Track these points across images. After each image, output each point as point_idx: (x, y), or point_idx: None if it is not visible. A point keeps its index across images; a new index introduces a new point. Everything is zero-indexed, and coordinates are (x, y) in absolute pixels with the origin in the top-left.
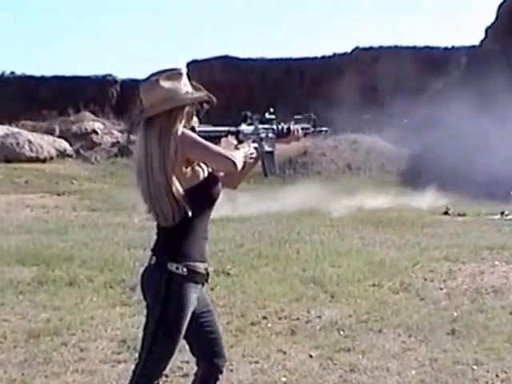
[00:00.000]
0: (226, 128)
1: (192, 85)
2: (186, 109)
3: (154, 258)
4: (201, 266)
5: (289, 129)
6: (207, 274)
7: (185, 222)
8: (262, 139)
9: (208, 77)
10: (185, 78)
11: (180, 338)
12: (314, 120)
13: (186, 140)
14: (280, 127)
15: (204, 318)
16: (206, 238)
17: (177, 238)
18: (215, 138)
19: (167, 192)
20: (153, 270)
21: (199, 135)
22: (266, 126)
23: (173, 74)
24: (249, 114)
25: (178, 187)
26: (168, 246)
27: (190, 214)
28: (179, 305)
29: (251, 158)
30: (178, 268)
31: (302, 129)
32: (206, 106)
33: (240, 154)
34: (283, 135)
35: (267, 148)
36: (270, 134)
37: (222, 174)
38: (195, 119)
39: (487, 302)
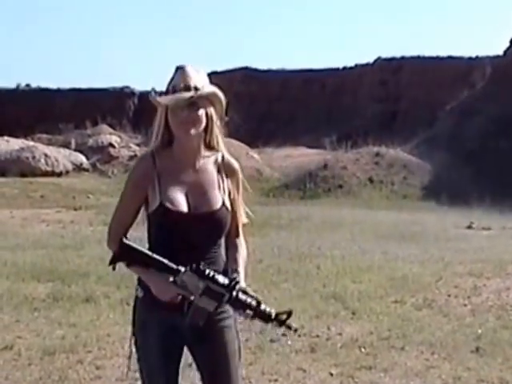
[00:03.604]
0: (166, 262)
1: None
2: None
3: None
4: None
5: (244, 304)
6: (182, 303)
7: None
8: (203, 293)
9: (227, 88)
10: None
11: (154, 365)
12: (289, 313)
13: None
14: (232, 295)
15: (198, 355)
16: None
17: None
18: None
19: None
20: None
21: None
22: (217, 289)
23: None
24: (205, 269)
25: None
26: None
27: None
28: (139, 329)
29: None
30: (137, 289)
31: (260, 316)
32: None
33: (124, 253)
34: (234, 304)
35: (202, 303)
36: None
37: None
38: (217, 136)
39: None
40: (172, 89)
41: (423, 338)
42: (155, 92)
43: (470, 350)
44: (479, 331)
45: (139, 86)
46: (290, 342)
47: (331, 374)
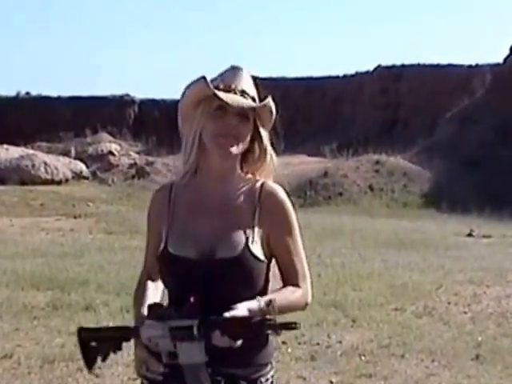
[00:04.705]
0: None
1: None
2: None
3: None
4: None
5: (214, 323)
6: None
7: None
8: (175, 345)
9: None
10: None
11: None
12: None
13: None
14: (201, 320)
15: None
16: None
17: None
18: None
19: None
20: None
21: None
22: (184, 322)
23: None
24: (156, 304)
25: None
26: None
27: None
28: None
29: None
30: None
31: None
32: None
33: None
34: (210, 333)
35: (184, 357)
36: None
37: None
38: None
39: None
40: (225, 86)
41: (423, 345)
42: (205, 79)
43: (470, 358)
44: (479, 339)
45: (139, 94)
46: (289, 350)
47: (331, 382)
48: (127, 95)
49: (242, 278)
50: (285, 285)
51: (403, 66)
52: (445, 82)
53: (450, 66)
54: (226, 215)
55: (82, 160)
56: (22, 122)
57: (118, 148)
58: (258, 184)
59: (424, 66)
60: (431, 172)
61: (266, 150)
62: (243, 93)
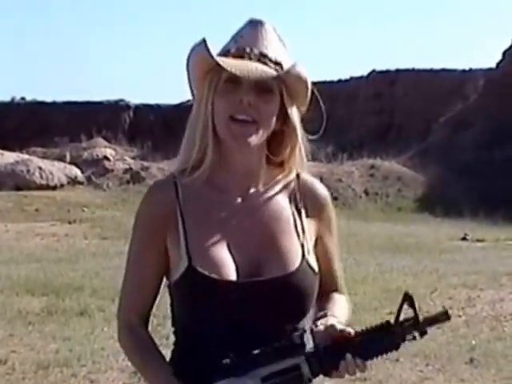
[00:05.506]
0: None
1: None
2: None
3: None
4: None
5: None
6: None
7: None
8: None
9: None
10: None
11: None
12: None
13: None
14: (311, 358)
15: None
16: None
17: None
18: None
19: None
20: None
21: None
22: (283, 364)
23: None
24: (229, 359)
25: None
26: None
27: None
28: None
29: None
30: None
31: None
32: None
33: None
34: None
35: None
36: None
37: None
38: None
39: (506, 330)
40: (237, 50)
41: (417, 349)
42: (205, 43)
43: (464, 362)
44: (473, 342)
45: (134, 99)
46: None
47: None
48: (122, 100)
49: (299, 299)
50: (324, 290)
51: (397, 70)
52: (439, 87)
53: (443, 70)
54: (267, 220)
55: (76, 165)
56: (17, 127)
57: (113, 153)
58: (291, 177)
59: (418, 70)
60: (425, 176)
61: (296, 133)
62: (262, 57)
